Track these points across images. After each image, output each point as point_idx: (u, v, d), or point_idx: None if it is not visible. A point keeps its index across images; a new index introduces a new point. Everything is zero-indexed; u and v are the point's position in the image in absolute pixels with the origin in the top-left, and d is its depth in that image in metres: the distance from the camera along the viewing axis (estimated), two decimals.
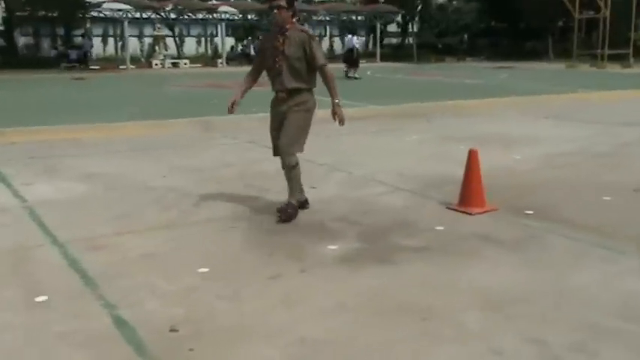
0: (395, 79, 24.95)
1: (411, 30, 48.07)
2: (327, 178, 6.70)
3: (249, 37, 44.54)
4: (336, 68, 30.29)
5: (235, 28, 44.78)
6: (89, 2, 33.25)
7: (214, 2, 37.40)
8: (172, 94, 17.80)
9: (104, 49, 43.76)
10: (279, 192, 5.94)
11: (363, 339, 3.05)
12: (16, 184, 6.27)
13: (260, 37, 41.36)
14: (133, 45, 43.67)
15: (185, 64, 34.82)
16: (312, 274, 3.93)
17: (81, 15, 35.35)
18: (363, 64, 38.48)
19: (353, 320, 3.27)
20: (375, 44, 44.57)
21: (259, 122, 10.98)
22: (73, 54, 33.82)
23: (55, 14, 33.59)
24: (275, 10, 4.99)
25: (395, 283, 3.79)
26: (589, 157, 7.80)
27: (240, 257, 4.25)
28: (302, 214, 5.29)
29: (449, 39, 48.81)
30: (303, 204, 5.38)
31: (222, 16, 36.16)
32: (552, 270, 4.00)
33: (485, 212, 5.31)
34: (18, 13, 33.48)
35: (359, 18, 44.06)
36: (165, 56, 34.57)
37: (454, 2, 48.49)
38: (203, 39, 45.67)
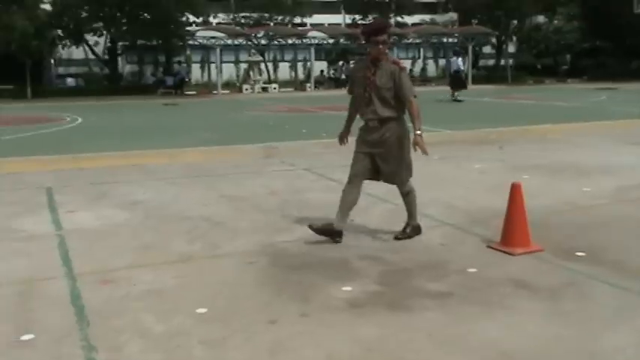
0: (482, 102, 24.17)
1: (506, 51, 46.51)
2: (371, 209, 6.38)
3: (341, 62, 44.89)
4: (429, 91, 29.98)
5: (328, 52, 45.21)
6: (187, 31, 34.48)
7: (304, 28, 37.94)
8: (249, 119, 18.03)
9: (202, 75, 45.18)
10: (315, 222, 5.75)
11: None
12: (61, 212, 6.36)
13: (351, 64, 41.72)
14: (228, 70, 45.12)
15: (274, 88, 35.38)
16: (312, 320, 3.65)
17: (181, 43, 36.72)
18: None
19: None
20: (467, 67, 43.50)
21: (324, 148, 10.93)
22: (170, 80, 35.23)
23: (154, 43, 35.03)
24: (380, 46, 5.10)
25: (398, 334, 3.44)
26: None
27: (245, 297, 4.02)
28: (329, 250, 5.03)
29: (549, 59, 47.01)
30: (419, 228, 5.45)
31: (312, 41, 36.46)
32: (586, 326, 3.51)
33: (529, 253, 4.83)
34: (121, 43, 35.25)
35: (450, 40, 43.25)
36: (255, 81, 35.27)
37: (555, 21, 46.46)
38: (297, 63, 46.37)
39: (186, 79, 40.70)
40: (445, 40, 43.54)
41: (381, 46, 5.11)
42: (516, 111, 19.57)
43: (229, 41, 35.83)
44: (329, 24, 43.78)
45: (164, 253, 4.97)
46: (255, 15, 39.46)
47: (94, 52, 34.62)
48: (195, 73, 43.03)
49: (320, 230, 5.27)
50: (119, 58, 40.75)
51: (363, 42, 5.50)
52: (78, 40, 33.57)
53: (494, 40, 46.41)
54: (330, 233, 5.25)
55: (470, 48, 41.80)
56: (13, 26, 27.39)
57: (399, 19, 44.98)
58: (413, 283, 4.24)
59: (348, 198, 5.35)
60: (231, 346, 3.31)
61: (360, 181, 5.42)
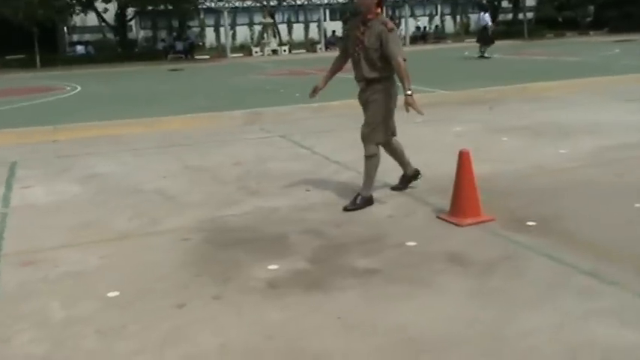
0: (492, 59, 23.51)
1: (524, 4, 45.01)
2: (332, 178, 6.17)
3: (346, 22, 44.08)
4: (441, 49, 29.24)
5: (342, 12, 44.36)
6: None
7: None
8: (248, 83, 17.74)
9: (216, 39, 44.60)
10: (269, 195, 5.65)
11: None
12: (15, 187, 6.27)
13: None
14: (243, 33, 44.65)
15: (285, 50, 34.90)
16: (223, 303, 3.49)
17: (193, 7, 36.23)
18: (467, 43, 37.04)
19: None
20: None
21: (311, 113, 10.68)
22: (179, 45, 34.95)
23: (161, 8, 34.63)
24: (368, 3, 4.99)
25: (306, 318, 3.27)
26: None
27: (163, 278, 3.87)
28: (273, 223, 4.86)
29: (571, 12, 45.49)
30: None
31: (322, 1, 35.76)
32: (507, 306, 3.30)
33: (477, 223, 4.60)
34: (130, 8, 34.91)
35: None
36: (265, 44, 34.81)
37: None
38: (312, 24, 45.59)
39: (199, 43, 40.43)
40: None
41: (366, 2, 4.97)
42: (523, 68, 18.99)
43: (238, 4, 35.25)
44: None
45: (101, 231, 4.84)
46: None
47: (103, 20, 34.35)
48: (210, 36, 42.64)
49: (402, 186, 5.60)
50: (133, 24, 40.61)
51: None
52: (87, 7, 33.35)
53: None
54: (410, 179, 5.61)
55: (485, 2, 40.69)
56: None
57: None
58: (343, 260, 4.05)
59: (389, 154, 5.52)
60: (126, 334, 3.17)
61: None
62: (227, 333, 3.13)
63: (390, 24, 5.06)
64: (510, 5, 47.63)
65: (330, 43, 38.71)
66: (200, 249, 4.37)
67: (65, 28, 39.54)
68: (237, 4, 35.36)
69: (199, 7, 36.25)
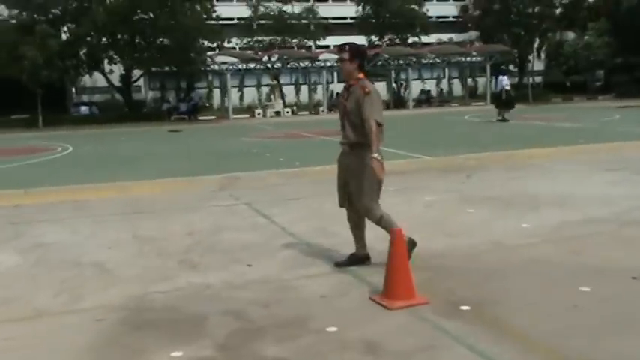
0: (487, 123, 23.48)
1: (531, 68, 45.25)
2: (280, 252, 5.95)
3: None
4: (443, 112, 29.38)
5: None
6: (209, 56, 34.45)
7: (318, 51, 37.83)
8: (238, 146, 17.74)
9: (222, 100, 45.10)
10: (208, 270, 5.44)
11: None
12: None
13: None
14: (251, 94, 45.28)
15: (287, 112, 35.21)
16: None
17: (202, 69, 36.70)
18: (473, 107, 37.24)
19: None
20: (487, 86, 42.60)
21: (285, 179, 10.55)
22: (183, 106, 35.39)
23: (166, 69, 35.23)
24: (339, 63, 5.19)
25: None
26: (615, 226, 6.44)
27: None
28: (197, 302, 4.63)
29: (580, 76, 45.67)
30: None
31: (325, 63, 36.25)
32: None
33: (409, 306, 4.34)
34: (137, 70, 35.54)
35: (468, 59, 42.58)
36: (266, 106, 35.17)
37: (586, 37, 44.85)
38: (319, 86, 46.11)
39: (206, 104, 40.96)
40: (463, 59, 42.85)
41: (339, 64, 5.18)
42: (518, 133, 18.86)
43: (242, 66, 35.82)
44: (334, 46, 43.59)
45: (18, 309, 4.62)
46: (268, 39, 39.42)
47: (108, 80, 34.95)
48: (217, 97, 43.22)
49: (347, 263, 5.32)
50: (142, 85, 41.34)
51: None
52: (93, 68, 34.01)
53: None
54: (358, 260, 5.33)
55: (488, 67, 41.11)
56: (23, 56, 27.84)
57: (415, 39, 44.52)
58: (254, 347, 3.80)
59: (350, 225, 5.38)
60: None
61: (348, 207, 5.33)
62: None
63: (368, 87, 4.99)
64: (516, 69, 48.10)
65: (334, 105, 39.11)
66: (110, 331, 4.13)
67: (74, 89, 40.35)
68: (241, 66, 35.78)
69: (205, 68, 36.80)
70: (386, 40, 43.39)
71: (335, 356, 3.64)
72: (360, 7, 43.43)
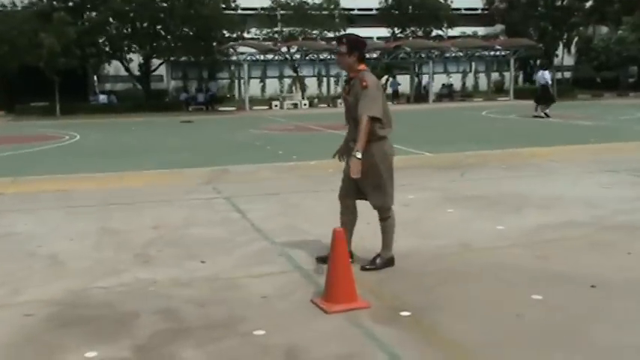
0: (502, 120, 23.06)
1: (560, 63, 44.30)
2: (241, 249, 5.79)
3: (385, 77, 44.07)
4: (463, 107, 28.93)
5: (374, 67, 44.59)
6: (232, 46, 34.44)
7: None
8: (243, 138, 17.63)
9: (244, 90, 44.90)
10: (159, 265, 5.32)
11: None
12: None
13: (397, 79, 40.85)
14: (273, 86, 45.23)
15: (305, 105, 35.05)
16: None
17: (224, 59, 36.71)
18: (497, 101, 36.66)
19: None
20: (511, 80, 41.93)
21: (276, 173, 10.39)
22: (201, 97, 35.41)
23: (183, 59, 35.30)
24: (337, 57, 4.96)
25: None
26: (593, 230, 6.17)
27: None
28: (133, 299, 4.50)
29: (612, 72, 44.53)
30: (392, 260, 5.13)
31: None
32: None
33: (348, 310, 4.15)
34: (157, 60, 35.67)
35: (492, 53, 41.91)
36: (285, 97, 35.06)
37: (619, 32, 43.57)
38: (341, 78, 45.72)
39: (227, 95, 40.99)
40: (487, 52, 42.21)
41: (345, 61, 4.84)
42: (529, 131, 18.43)
43: (260, 57, 35.71)
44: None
45: None
46: (288, 30, 39.22)
47: (127, 69, 35.12)
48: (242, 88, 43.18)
49: (324, 260, 4.92)
50: (164, 75, 41.49)
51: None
52: (111, 57, 34.21)
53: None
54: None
55: (512, 61, 40.46)
56: (42, 43, 28.08)
57: (439, 32, 43.97)
58: (173, 350, 3.65)
59: (343, 219, 5.14)
60: None
61: (349, 202, 5.11)
62: None
63: (366, 81, 4.73)
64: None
65: None
66: (34, 328, 4.02)
67: (95, 77, 40.64)
68: (259, 57, 35.66)
69: (224, 59, 36.79)
70: (408, 32, 42.87)
71: None
72: None
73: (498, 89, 44.40)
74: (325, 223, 6.36)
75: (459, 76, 48.98)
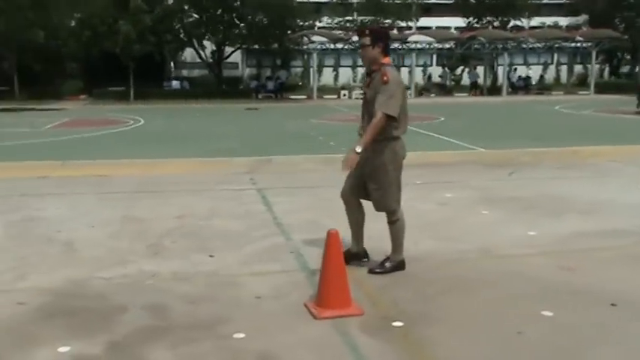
0: (575, 115, 22.00)
1: None
2: (255, 243, 5.67)
3: (461, 67, 43.04)
4: (538, 100, 27.83)
5: (449, 58, 43.60)
6: (305, 35, 34.54)
7: (407, 32, 36.90)
8: (301, 128, 17.56)
9: (318, 79, 44.75)
10: (168, 258, 5.26)
11: None
12: None
13: (476, 69, 39.66)
14: (347, 75, 45.04)
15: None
16: None
17: (297, 47, 36.84)
18: (577, 95, 35.08)
19: None
20: (592, 74, 40.02)
21: (319, 165, 10.21)
22: (270, 85, 35.62)
23: (255, 47, 35.60)
24: (359, 50, 4.74)
25: None
26: (631, 242, 5.68)
27: None
28: (129, 293, 4.44)
29: None
30: (402, 264, 4.88)
31: (416, 45, 35.29)
32: None
33: (337, 317, 3.95)
34: (226, 47, 36.15)
35: (573, 45, 40.08)
36: (352, 87, 34.80)
37: None
38: (418, 69, 44.72)
39: (299, 83, 41.05)
40: (568, 44, 40.37)
41: (360, 50, 4.69)
42: (600, 128, 17.50)
43: (330, 45, 35.54)
44: (437, 27, 42.35)
45: None
46: (360, 19, 38.84)
47: (200, 56, 35.74)
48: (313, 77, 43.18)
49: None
50: (239, 62, 42.08)
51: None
52: (185, 44, 34.88)
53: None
54: (353, 257, 4.90)
55: (594, 53, 38.59)
56: (118, 30, 28.94)
57: (517, 22, 42.47)
58: (147, 349, 3.56)
59: (349, 219, 4.96)
60: None
61: (352, 200, 4.89)
62: None
63: (387, 76, 4.52)
64: (629, 57, 44.89)
65: (425, 89, 38.06)
66: (20, 317, 4.02)
67: (172, 63, 41.63)
68: (328, 46, 35.50)
69: (295, 47, 36.86)
70: (485, 22, 41.62)
71: None
72: None
73: (581, 82, 42.46)
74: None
75: (539, 68, 47.11)
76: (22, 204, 7.22)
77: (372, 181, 4.71)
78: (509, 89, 37.57)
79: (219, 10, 33.02)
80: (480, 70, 40.30)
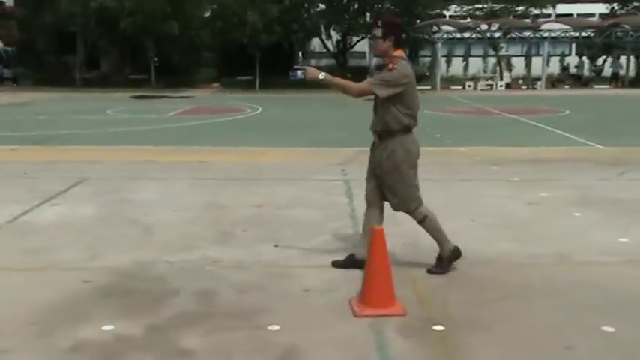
0: None
1: None
2: (322, 234, 5.68)
3: (603, 57, 40.31)
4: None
5: (589, 47, 41.09)
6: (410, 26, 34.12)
7: (539, 20, 35.09)
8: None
9: (447, 69, 43.85)
10: (234, 245, 5.40)
11: None
12: (46, 204, 6.74)
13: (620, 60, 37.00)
14: (477, 65, 43.83)
15: (501, 86, 33.37)
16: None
17: (426, 36, 36.36)
18: None
19: None
20: None
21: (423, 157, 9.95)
22: None
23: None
24: (372, 41, 4.56)
25: None
26: None
27: (5, 318, 3.85)
28: (188, 277, 4.59)
29: None
30: (455, 253, 4.69)
31: (549, 34, 33.47)
32: None
33: (378, 316, 3.86)
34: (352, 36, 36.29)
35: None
36: (478, 78, 33.68)
37: None
38: (553, 58, 42.46)
39: (426, 74, 40.34)
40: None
41: (380, 46, 4.48)
42: None
43: (457, 35, 34.59)
44: (577, 14, 39.86)
45: (36, 258, 4.98)
46: (489, 7, 37.41)
47: (325, 46, 36.12)
48: (442, 67, 42.33)
49: (342, 264, 4.77)
50: (367, 52, 42.17)
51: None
52: (311, 34, 35.39)
53: None
54: (354, 264, 4.68)
55: None
56: (246, 21, 29.91)
57: None
58: (179, 334, 3.65)
59: (366, 222, 4.76)
60: None
61: (376, 202, 4.76)
62: None
63: (395, 65, 4.38)
64: None
65: (559, 80, 36.08)
66: (80, 295, 4.27)
67: (300, 53, 42.46)
68: (455, 35, 34.56)
69: (421, 36, 36.24)
70: (630, 8, 38.68)
71: (240, 357, 3.36)
72: None
73: None
74: (448, 212, 6.00)
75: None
76: (122, 186, 7.66)
77: (386, 184, 4.58)
78: None
79: (345, 0, 33.17)
80: (623, 60, 37.56)
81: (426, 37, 34.67)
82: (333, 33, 35.98)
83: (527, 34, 33.98)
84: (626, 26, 34.84)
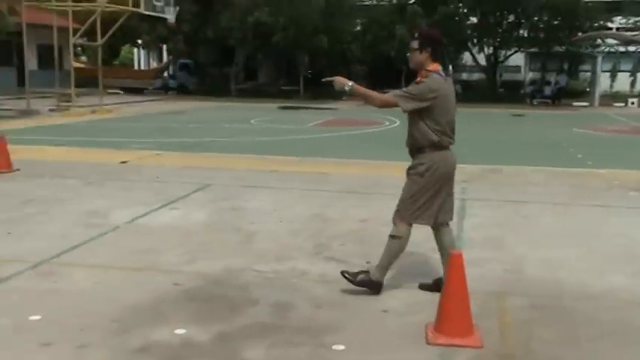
0: None
1: None
2: (419, 255, 5.47)
3: None
4: None
5: None
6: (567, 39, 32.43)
7: None
8: (558, 137, 16.23)
9: (610, 85, 41.06)
10: (325, 259, 5.37)
11: None
12: (165, 208, 7.08)
13: None
14: None
15: (632, 103, 30.71)
16: (78, 354, 3.55)
17: (589, 50, 34.50)
18: None
19: None
20: None
21: (549, 178, 9.37)
22: (547, 90, 33.70)
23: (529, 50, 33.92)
24: (413, 56, 4.39)
25: None
26: None
27: (89, 314, 4.08)
28: (271, 289, 4.61)
29: None
30: (375, 286, 4.51)
31: None
32: None
33: (451, 346, 3.64)
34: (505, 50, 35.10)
35: None
36: None
37: None
38: None
39: (586, 89, 38.11)
40: None
41: (416, 58, 4.34)
42: None
43: (621, 49, 32.27)
44: None
45: (139, 260, 5.23)
46: None
47: (474, 60, 35.25)
48: (605, 82, 39.78)
49: (429, 287, 4.60)
50: (522, 66, 40.73)
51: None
52: (461, 47, 34.73)
53: None
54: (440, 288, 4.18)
55: None
56: (394, 35, 30.01)
57: None
58: (245, 345, 3.66)
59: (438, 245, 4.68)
60: None
61: (439, 223, 4.59)
62: None
63: (424, 78, 4.23)
64: None
65: None
66: (166, 296, 4.42)
67: (450, 67, 41.78)
68: (617, 49, 32.24)
69: (578, 50, 34.28)
70: None
71: None
72: None
73: None
74: (544, 246, 5.73)
75: None
76: (237, 194, 7.91)
77: (402, 192, 4.47)
78: None
79: (498, 13, 32.19)
80: None
81: (587, 50, 32.64)
82: (484, 47, 35.05)
83: None
84: None
